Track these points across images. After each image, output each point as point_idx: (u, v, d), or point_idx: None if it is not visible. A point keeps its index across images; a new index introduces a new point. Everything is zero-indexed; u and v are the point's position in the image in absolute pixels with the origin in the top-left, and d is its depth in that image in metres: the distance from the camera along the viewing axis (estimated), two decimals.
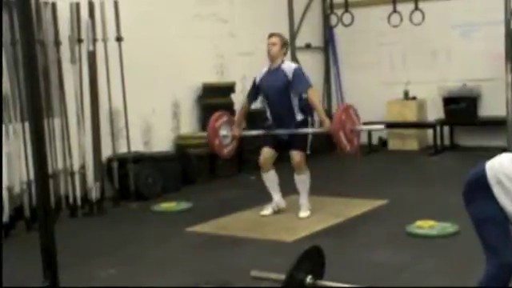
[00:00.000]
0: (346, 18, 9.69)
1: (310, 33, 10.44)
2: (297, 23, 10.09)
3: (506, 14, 7.90)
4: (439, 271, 4.27)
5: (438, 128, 9.40)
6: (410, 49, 9.91)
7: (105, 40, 6.76)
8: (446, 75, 9.58)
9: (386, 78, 10.11)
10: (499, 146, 8.06)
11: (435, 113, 9.62)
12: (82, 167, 6.55)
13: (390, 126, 9.76)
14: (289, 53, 6.88)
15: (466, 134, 9.66)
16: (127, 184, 6.88)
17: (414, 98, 9.76)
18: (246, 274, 3.84)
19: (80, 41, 6.60)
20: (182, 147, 7.93)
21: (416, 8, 9.07)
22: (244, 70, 8.51)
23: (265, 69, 6.01)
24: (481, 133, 9.43)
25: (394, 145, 9.91)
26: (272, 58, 5.90)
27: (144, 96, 7.44)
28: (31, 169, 5.45)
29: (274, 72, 5.89)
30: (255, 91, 6.06)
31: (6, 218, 5.74)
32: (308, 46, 10.34)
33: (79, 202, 6.47)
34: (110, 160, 6.93)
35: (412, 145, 9.72)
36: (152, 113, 7.75)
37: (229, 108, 7.83)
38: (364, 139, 9.77)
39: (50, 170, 5.88)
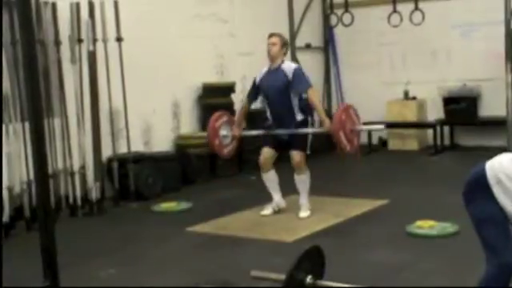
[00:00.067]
0: (346, 18, 9.69)
1: (310, 33, 10.44)
2: (297, 23, 10.09)
3: (505, 14, 7.90)
4: (439, 271, 4.27)
5: (438, 128, 9.40)
6: (410, 49, 9.91)
7: (105, 40, 6.76)
8: (446, 75, 9.58)
9: (386, 78, 10.11)
10: (499, 145, 8.07)
11: (435, 113, 9.62)
12: (82, 167, 6.55)
13: (390, 125, 9.76)
14: (289, 53, 6.89)
15: (466, 134, 9.66)
16: (127, 184, 6.88)
17: (414, 98, 9.77)
18: (246, 273, 3.83)
19: (80, 41, 6.60)
20: (182, 147, 7.94)
21: (416, 8, 9.07)
22: (244, 70, 8.51)
23: (265, 69, 6.01)
24: (481, 133, 9.44)
25: (394, 145, 9.91)
26: (272, 58, 5.90)
27: (144, 96, 7.45)
28: (31, 169, 5.46)
29: (274, 72, 5.89)
30: (255, 91, 6.06)
31: (6, 217, 5.74)
32: (308, 46, 10.34)
33: (79, 201, 6.48)
34: (110, 160, 6.94)
35: (412, 145, 9.72)
36: (152, 113, 7.75)
37: (229, 108, 7.84)
38: (364, 139, 9.77)
39: (50, 170, 5.88)
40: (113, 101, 6.90)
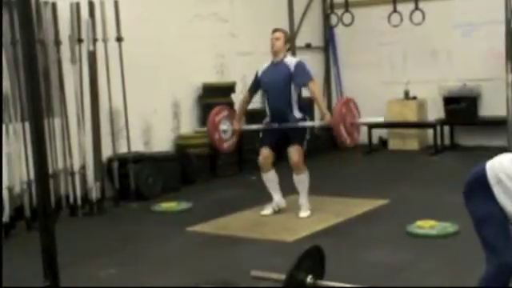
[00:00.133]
0: (347, 18, 9.68)
1: (311, 33, 10.44)
2: (297, 23, 10.09)
3: (506, 14, 7.90)
4: (439, 271, 4.27)
5: (439, 128, 9.40)
6: (410, 48, 9.92)
7: (105, 40, 6.76)
8: (447, 75, 9.57)
9: (386, 78, 10.11)
10: (499, 145, 8.08)
11: (435, 112, 9.62)
12: (83, 167, 6.55)
13: (391, 125, 9.78)
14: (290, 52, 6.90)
15: (466, 134, 9.66)
16: (127, 184, 6.88)
17: (414, 98, 9.76)
18: (246, 273, 3.84)
19: (80, 41, 6.60)
20: (182, 147, 7.93)
21: (416, 8, 9.06)
22: (244, 70, 8.50)
23: (266, 63, 6.04)
24: (481, 132, 9.43)
25: (394, 144, 9.91)
26: (275, 53, 5.95)
27: (144, 96, 7.45)
28: (31, 169, 5.46)
29: (277, 66, 5.93)
30: (256, 84, 6.09)
31: (6, 217, 5.74)
32: (308, 46, 10.34)
33: (79, 201, 6.48)
34: (110, 160, 6.93)
35: (412, 144, 9.72)
36: (152, 113, 7.75)
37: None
38: (364, 139, 9.78)
39: (50, 170, 5.88)
40: (113, 101, 6.89)
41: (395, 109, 9.72)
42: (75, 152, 6.52)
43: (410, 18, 9.08)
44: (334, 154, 9.57)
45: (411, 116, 9.63)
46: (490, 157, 2.97)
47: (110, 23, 6.79)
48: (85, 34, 6.59)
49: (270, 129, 5.96)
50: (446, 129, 9.59)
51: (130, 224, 6.14)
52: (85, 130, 6.59)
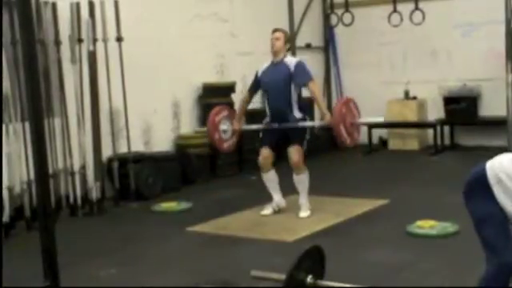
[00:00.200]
0: (347, 18, 9.68)
1: (311, 33, 10.44)
2: (297, 23, 10.09)
3: (506, 14, 7.90)
4: (439, 271, 4.27)
5: (439, 128, 9.40)
6: (410, 48, 9.92)
7: (105, 40, 6.76)
8: (447, 75, 9.58)
9: (386, 78, 10.11)
10: (500, 145, 8.08)
11: (435, 112, 9.62)
12: (83, 167, 6.55)
13: (391, 125, 9.78)
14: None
15: (466, 134, 9.66)
16: (127, 184, 6.88)
17: (414, 98, 9.76)
18: (246, 273, 3.84)
19: (80, 41, 6.59)
20: (182, 147, 7.93)
21: (416, 8, 9.06)
22: (244, 70, 8.50)
23: (266, 63, 6.05)
24: (481, 132, 9.44)
25: (394, 144, 9.91)
26: (275, 53, 5.95)
27: (144, 96, 7.45)
28: (31, 169, 5.46)
29: (277, 65, 5.93)
30: (256, 84, 6.09)
31: (6, 217, 5.74)
32: (308, 46, 10.34)
33: (79, 201, 6.47)
34: (110, 160, 6.93)
35: (412, 144, 9.72)
36: (152, 113, 7.75)
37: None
38: (364, 139, 9.77)
39: (50, 170, 5.88)
40: (113, 101, 6.89)
41: (395, 109, 9.72)
42: (75, 152, 6.52)
43: (410, 18, 9.08)
44: (333, 153, 9.57)
45: (411, 116, 9.63)
46: (490, 157, 2.97)
47: (110, 23, 6.79)
48: (85, 33, 6.59)
49: (270, 129, 5.96)
50: (446, 129, 9.59)
51: (130, 224, 6.14)
52: (85, 129, 6.59)
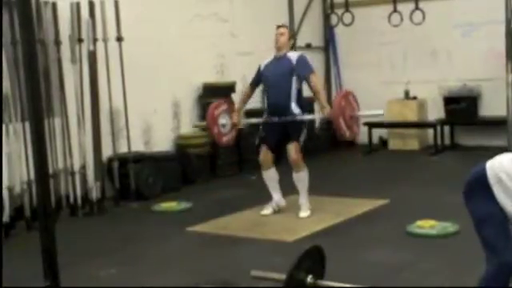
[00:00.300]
0: (347, 18, 9.67)
1: (311, 32, 10.44)
2: (297, 23, 10.09)
3: (506, 14, 7.91)
4: (439, 271, 4.27)
5: (439, 128, 9.40)
6: (410, 48, 9.92)
7: (105, 40, 6.76)
8: (447, 75, 9.58)
9: (386, 78, 10.11)
10: (500, 145, 8.08)
11: (436, 112, 9.62)
12: (83, 167, 6.55)
13: (391, 125, 9.79)
14: None
15: (466, 134, 9.66)
16: (127, 184, 6.88)
17: (414, 98, 9.77)
18: (246, 273, 3.84)
19: (80, 40, 6.59)
20: (182, 147, 7.93)
21: (416, 8, 9.06)
22: (244, 70, 8.49)
23: (269, 58, 6.07)
24: (481, 132, 9.43)
25: (394, 144, 9.91)
26: (279, 48, 5.99)
27: (144, 96, 7.45)
28: (32, 169, 5.45)
29: (280, 60, 5.96)
30: (258, 78, 6.11)
31: (6, 217, 5.74)
32: (308, 46, 10.33)
33: (80, 201, 6.47)
34: (110, 160, 6.93)
35: (412, 144, 9.72)
36: (152, 113, 7.75)
37: None
38: (364, 139, 9.79)
39: (50, 170, 5.89)
40: (113, 100, 6.89)
41: (395, 109, 9.72)
42: (75, 152, 6.52)
43: (410, 18, 9.07)
44: (333, 154, 9.58)
45: (411, 116, 9.63)
46: (490, 157, 2.98)
47: (110, 23, 6.79)
48: (85, 33, 6.59)
49: (270, 123, 5.94)
50: (446, 129, 9.59)
51: (130, 224, 6.14)
52: (85, 129, 6.59)
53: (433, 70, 9.69)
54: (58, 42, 6.44)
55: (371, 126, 9.67)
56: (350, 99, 5.82)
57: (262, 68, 6.06)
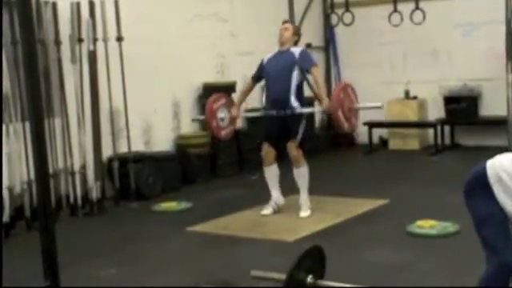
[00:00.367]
0: (347, 18, 9.67)
1: (311, 32, 10.42)
2: (297, 23, 10.07)
3: (506, 14, 7.90)
4: (439, 271, 4.27)
5: (439, 127, 9.40)
6: (410, 48, 9.91)
7: (105, 40, 6.76)
8: (447, 75, 9.57)
9: (386, 78, 10.10)
10: (500, 145, 8.08)
11: (436, 112, 9.61)
12: (83, 167, 6.55)
13: (391, 125, 9.78)
14: None
15: (466, 134, 9.66)
16: (128, 184, 6.88)
17: (414, 98, 9.76)
18: (246, 273, 3.83)
19: (80, 40, 6.59)
20: (183, 147, 7.93)
21: (417, 7, 9.05)
22: (244, 70, 8.46)
23: (272, 53, 6.08)
24: (482, 132, 9.43)
25: (394, 144, 9.90)
26: (282, 43, 6.01)
27: (144, 96, 7.44)
28: (32, 168, 5.46)
29: (283, 53, 5.98)
30: (260, 72, 6.11)
31: (6, 217, 5.74)
32: (309, 46, 10.30)
33: (80, 201, 6.47)
34: (110, 160, 6.93)
35: (413, 144, 9.72)
36: (153, 112, 7.75)
37: None
38: (365, 139, 9.79)
39: (50, 170, 5.88)
40: (113, 100, 6.89)
41: (396, 108, 9.72)
42: (75, 152, 6.52)
43: (411, 18, 9.07)
44: (333, 154, 9.58)
45: (412, 116, 9.63)
46: (491, 156, 2.97)
47: (111, 23, 6.79)
48: (85, 33, 6.59)
49: (269, 116, 5.94)
50: (447, 128, 9.58)
51: (130, 224, 6.14)
52: (85, 129, 6.59)
53: (433, 70, 9.68)
54: (58, 42, 6.44)
55: (371, 125, 9.68)
56: (348, 91, 5.84)
57: (265, 62, 6.07)
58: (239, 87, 8.35)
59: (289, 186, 6.09)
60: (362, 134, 9.96)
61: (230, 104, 6.22)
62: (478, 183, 2.92)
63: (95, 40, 6.64)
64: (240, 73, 8.61)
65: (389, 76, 10.12)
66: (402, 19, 9.16)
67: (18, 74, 5.89)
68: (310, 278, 3.50)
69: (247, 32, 8.98)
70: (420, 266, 4.38)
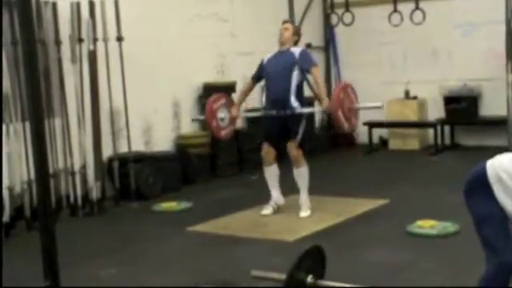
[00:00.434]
0: (347, 18, 9.67)
1: (311, 32, 10.42)
2: (297, 23, 10.06)
3: (506, 14, 7.90)
4: (439, 271, 4.27)
5: (439, 127, 9.40)
6: (410, 48, 9.91)
7: (105, 39, 6.76)
8: (447, 75, 9.57)
9: (386, 78, 10.10)
10: (500, 145, 8.08)
11: (436, 112, 9.61)
12: (83, 167, 6.55)
13: (391, 125, 9.78)
14: None
15: (466, 134, 9.66)
16: (128, 184, 6.88)
17: (414, 98, 9.76)
18: (246, 273, 3.83)
19: (81, 40, 6.59)
20: (183, 147, 7.93)
21: (417, 7, 9.05)
22: (244, 70, 8.45)
23: (272, 53, 6.08)
24: (481, 132, 9.43)
25: (394, 144, 9.90)
26: (282, 43, 6.02)
27: (144, 96, 7.45)
28: (32, 168, 5.46)
29: (283, 53, 5.98)
30: (260, 72, 6.11)
31: (6, 217, 5.74)
32: (309, 46, 10.30)
33: (80, 201, 6.47)
34: (110, 159, 6.93)
35: (413, 144, 9.72)
36: (153, 112, 7.75)
37: None
38: (365, 139, 9.79)
39: (50, 170, 5.89)
40: (113, 100, 6.89)
41: (396, 109, 9.72)
42: (76, 152, 6.52)
43: (411, 18, 9.07)
44: (333, 154, 9.58)
45: (412, 116, 9.63)
46: (491, 156, 2.98)
47: (111, 23, 6.79)
48: (85, 33, 6.59)
49: (269, 116, 5.94)
50: (447, 128, 9.58)
51: (130, 224, 6.14)
52: (85, 129, 6.59)
53: (433, 70, 9.68)
54: (58, 42, 6.44)
55: (371, 125, 9.68)
56: (348, 91, 5.84)
57: (265, 62, 6.07)
58: (239, 87, 8.35)
59: (289, 186, 6.09)
60: (362, 134, 9.96)
61: (230, 104, 6.22)
62: (478, 183, 2.92)
63: (95, 40, 6.64)
64: (240, 73, 8.61)
65: (389, 76, 10.12)
66: (401, 19, 9.16)
67: (18, 73, 5.90)
68: (310, 278, 3.50)
69: (247, 32, 8.98)
70: (420, 266, 4.38)
